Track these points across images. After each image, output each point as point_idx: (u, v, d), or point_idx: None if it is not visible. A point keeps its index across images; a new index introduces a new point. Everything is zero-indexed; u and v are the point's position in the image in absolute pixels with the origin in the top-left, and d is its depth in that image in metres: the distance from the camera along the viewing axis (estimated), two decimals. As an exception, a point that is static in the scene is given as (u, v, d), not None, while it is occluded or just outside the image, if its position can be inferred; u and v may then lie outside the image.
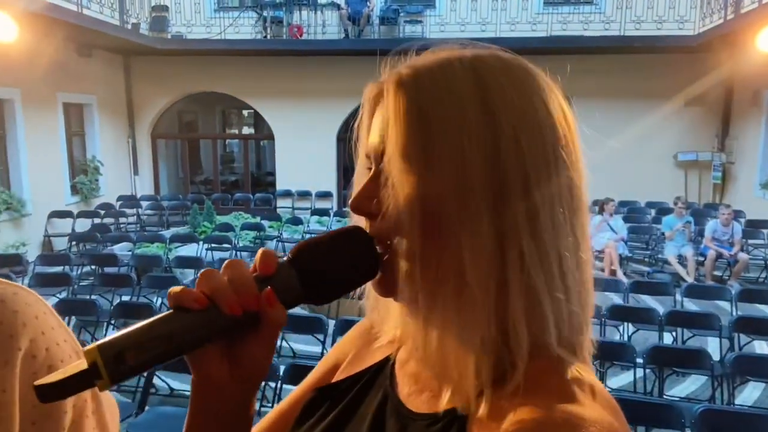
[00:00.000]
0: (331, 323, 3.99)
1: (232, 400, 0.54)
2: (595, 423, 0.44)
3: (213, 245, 7.48)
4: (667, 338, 4.67)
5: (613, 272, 7.11)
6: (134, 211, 10.22)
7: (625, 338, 4.61)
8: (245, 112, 15.66)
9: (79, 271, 6.46)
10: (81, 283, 6.05)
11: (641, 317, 4.56)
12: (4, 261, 6.39)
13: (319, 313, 4.24)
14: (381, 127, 0.53)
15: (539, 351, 0.49)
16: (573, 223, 0.51)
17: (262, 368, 0.53)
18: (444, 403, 0.52)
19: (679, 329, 4.74)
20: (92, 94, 10.02)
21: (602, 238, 7.29)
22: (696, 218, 8.13)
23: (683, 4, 9.98)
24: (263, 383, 2.42)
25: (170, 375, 3.95)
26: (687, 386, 4.41)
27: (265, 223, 8.75)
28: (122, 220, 9.78)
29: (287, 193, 11.09)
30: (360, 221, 0.56)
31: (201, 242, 7.49)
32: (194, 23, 10.83)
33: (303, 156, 10.90)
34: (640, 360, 3.63)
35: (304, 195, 10.99)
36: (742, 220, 8.34)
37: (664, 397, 3.83)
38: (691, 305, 5.59)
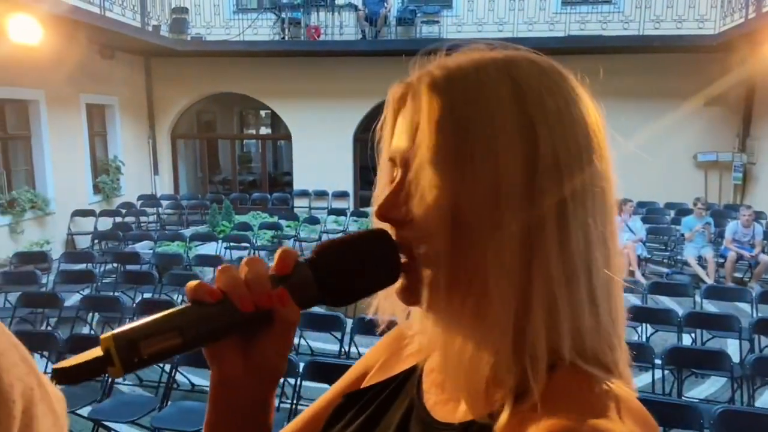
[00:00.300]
0: (349, 322, 4.03)
1: (248, 396, 0.54)
2: None
3: (232, 244, 7.58)
4: (686, 340, 4.63)
5: (631, 273, 7.05)
6: (154, 210, 10.36)
7: (644, 339, 4.57)
8: (263, 113, 15.77)
9: (102, 269, 6.60)
10: (104, 281, 6.18)
11: (660, 318, 4.52)
12: (29, 258, 6.54)
13: (337, 311, 4.29)
14: (409, 131, 0.52)
15: (565, 365, 0.48)
16: (605, 234, 0.50)
17: (275, 365, 0.53)
18: (467, 413, 0.52)
19: (698, 331, 4.70)
20: (114, 95, 10.19)
21: (620, 239, 7.20)
22: (716, 219, 8.02)
23: (703, 3, 9.85)
24: (282, 380, 2.45)
25: (192, 371, 4.02)
26: (706, 388, 4.37)
27: (283, 222, 8.82)
28: (143, 218, 9.92)
29: (304, 193, 11.14)
30: (383, 225, 0.54)
31: (220, 241, 7.59)
32: (213, 25, 10.96)
33: (320, 156, 10.95)
34: (658, 361, 3.60)
35: (321, 195, 11.03)
36: (764, 222, 8.23)
37: (683, 398, 3.80)
38: (710, 307, 5.53)
